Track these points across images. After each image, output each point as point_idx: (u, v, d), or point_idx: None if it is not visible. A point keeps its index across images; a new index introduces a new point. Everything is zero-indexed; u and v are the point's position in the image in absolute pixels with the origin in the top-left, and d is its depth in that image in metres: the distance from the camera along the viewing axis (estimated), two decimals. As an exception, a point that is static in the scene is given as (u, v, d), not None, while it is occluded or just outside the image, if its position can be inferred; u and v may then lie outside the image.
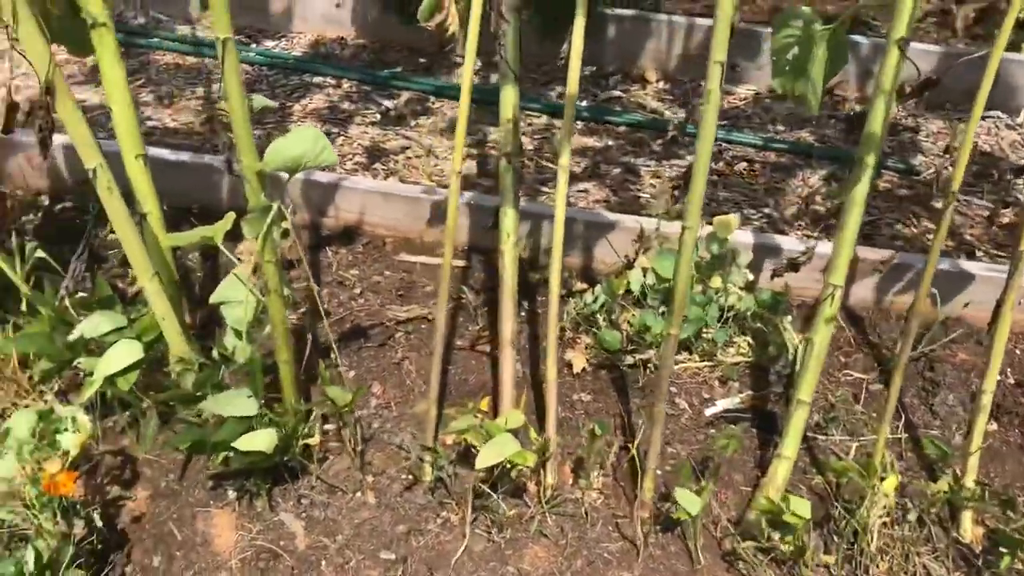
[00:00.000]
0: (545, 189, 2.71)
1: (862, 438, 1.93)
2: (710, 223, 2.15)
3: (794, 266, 1.80)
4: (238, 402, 1.55)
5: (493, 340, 2.15)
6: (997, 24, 1.44)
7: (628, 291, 2.15)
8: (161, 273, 1.75)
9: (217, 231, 1.48)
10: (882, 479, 1.64)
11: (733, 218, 2.10)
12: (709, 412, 1.99)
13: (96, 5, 1.53)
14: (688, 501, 1.58)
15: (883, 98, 1.57)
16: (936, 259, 1.59)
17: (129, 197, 1.72)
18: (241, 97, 1.37)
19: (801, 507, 1.55)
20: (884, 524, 1.70)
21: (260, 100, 1.45)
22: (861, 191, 1.63)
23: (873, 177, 1.65)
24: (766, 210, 2.66)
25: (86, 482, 1.78)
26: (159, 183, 1.74)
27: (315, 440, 1.71)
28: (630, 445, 1.84)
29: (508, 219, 1.83)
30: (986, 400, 1.69)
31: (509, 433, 1.64)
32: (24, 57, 1.41)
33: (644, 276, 2.13)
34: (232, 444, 1.55)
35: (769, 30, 2.50)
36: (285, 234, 1.48)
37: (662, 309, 2.08)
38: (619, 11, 3.23)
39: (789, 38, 1.86)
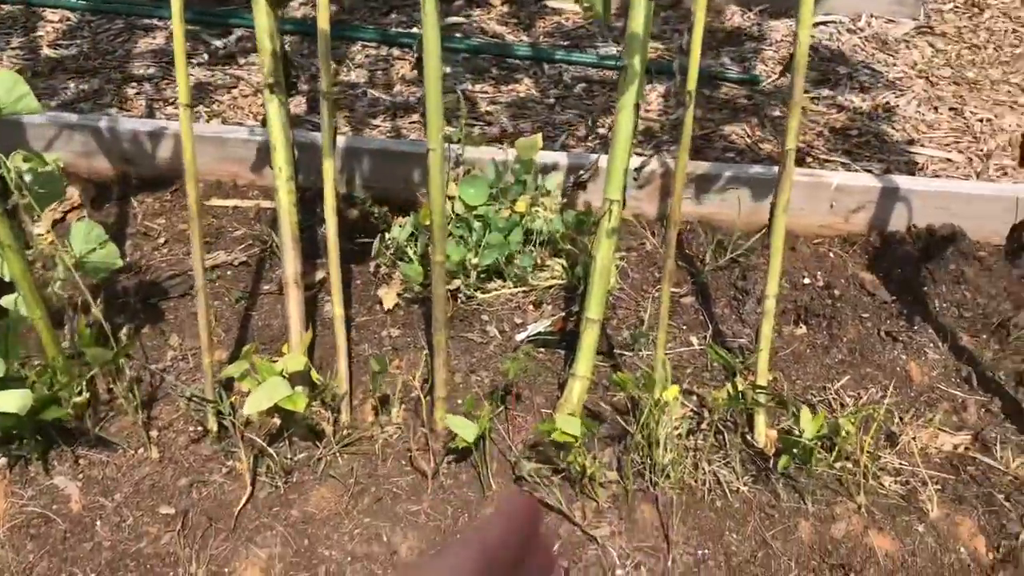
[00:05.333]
0: (375, 122, 2.62)
1: (669, 352, 1.92)
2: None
3: (581, 184, 1.74)
4: (-24, 363, 1.47)
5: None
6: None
7: (438, 221, 2.08)
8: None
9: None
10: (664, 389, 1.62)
11: (536, 138, 2.03)
12: (519, 337, 1.95)
13: None
14: (464, 428, 1.55)
15: (639, -2, 1.52)
16: (684, 164, 1.55)
17: None
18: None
19: (570, 425, 1.52)
20: (679, 436, 1.69)
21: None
22: (629, 98, 1.58)
23: (642, 82, 1.59)
24: (601, 131, 2.60)
25: None
26: None
27: (82, 399, 1.63)
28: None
29: (278, 154, 1.74)
30: (769, 305, 1.67)
31: (281, 377, 1.58)
32: None
33: (452, 205, 2.06)
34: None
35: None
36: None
37: (474, 237, 2.03)
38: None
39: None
